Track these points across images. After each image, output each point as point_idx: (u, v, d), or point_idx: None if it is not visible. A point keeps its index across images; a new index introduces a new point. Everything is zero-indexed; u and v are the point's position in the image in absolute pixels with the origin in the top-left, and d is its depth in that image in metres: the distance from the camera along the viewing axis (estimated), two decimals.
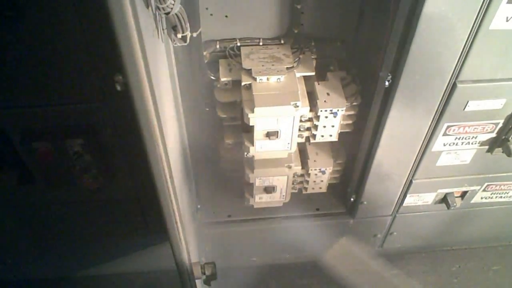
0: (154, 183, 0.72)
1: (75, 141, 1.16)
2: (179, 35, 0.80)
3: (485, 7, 1.01)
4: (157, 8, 0.73)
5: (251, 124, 1.28)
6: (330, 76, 1.38)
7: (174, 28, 0.80)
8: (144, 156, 0.67)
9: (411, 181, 1.52)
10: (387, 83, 1.18)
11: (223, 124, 1.48)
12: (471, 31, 1.05)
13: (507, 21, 1.04)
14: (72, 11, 0.90)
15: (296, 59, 1.33)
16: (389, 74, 1.17)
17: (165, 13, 0.73)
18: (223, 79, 1.34)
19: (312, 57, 1.37)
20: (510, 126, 1.31)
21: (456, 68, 1.14)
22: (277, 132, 1.31)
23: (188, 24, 0.81)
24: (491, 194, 1.63)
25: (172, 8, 0.72)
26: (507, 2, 1.00)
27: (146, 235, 1.63)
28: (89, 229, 1.61)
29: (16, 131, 1.16)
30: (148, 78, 0.56)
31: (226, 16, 1.31)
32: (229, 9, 1.29)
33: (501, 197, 1.65)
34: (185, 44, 0.87)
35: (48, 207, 1.46)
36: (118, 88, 0.56)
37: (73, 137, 1.16)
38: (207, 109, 1.47)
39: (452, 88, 1.18)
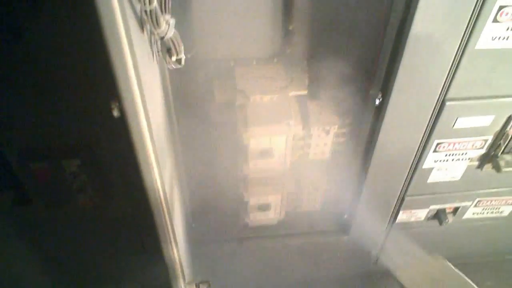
0: (148, 204, 0.73)
1: (72, 161, 1.17)
2: (174, 58, 0.82)
3: (471, 27, 1.04)
4: (152, 32, 0.75)
5: (245, 143, 1.30)
6: (323, 94, 1.41)
7: (168, 51, 0.82)
8: (139, 179, 0.68)
9: (403, 198, 1.54)
10: (377, 102, 1.21)
11: (217, 142, 1.50)
12: (457, 50, 1.08)
13: (492, 40, 1.07)
14: (69, 36, 0.92)
15: (289, 79, 1.35)
16: (379, 93, 1.19)
17: (160, 37, 0.75)
18: (218, 100, 1.36)
19: (305, 76, 1.39)
20: (499, 142, 1.33)
21: (444, 86, 1.16)
22: (271, 150, 1.33)
23: (182, 47, 0.83)
24: (482, 210, 1.65)
25: (166, 33, 0.74)
26: (493, 21, 1.04)
27: (141, 254, 1.62)
28: (84, 248, 1.61)
29: (13, 151, 1.17)
30: (143, 104, 0.58)
31: (221, 37, 1.33)
32: (224, 30, 1.32)
33: (492, 212, 1.67)
34: (180, 66, 0.89)
35: (42, 227, 1.46)
36: (115, 114, 0.58)
37: (70, 158, 1.17)
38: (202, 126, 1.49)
39: (441, 105, 1.21)
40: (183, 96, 1.36)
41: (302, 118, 1.35)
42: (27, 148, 1.17)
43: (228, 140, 1.45)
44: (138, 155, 0.64)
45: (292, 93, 1.36)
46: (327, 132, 1.35)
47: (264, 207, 1.56)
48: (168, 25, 0.72)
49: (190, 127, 1.46)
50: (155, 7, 0.66)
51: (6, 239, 1.53)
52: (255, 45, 1.37)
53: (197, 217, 1.75)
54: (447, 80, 1.15)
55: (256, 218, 1.62)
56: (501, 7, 1.01)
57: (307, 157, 1.43)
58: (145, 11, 0.67)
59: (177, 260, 0.94)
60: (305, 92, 1.36)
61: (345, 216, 1.68)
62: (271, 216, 1.62)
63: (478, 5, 1.01)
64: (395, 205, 1.58)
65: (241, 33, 1.33)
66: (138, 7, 0.69)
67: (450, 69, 1.12)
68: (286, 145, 1.33)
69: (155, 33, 0.72)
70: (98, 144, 1.18)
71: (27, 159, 1.18)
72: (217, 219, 1.78)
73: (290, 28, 1.30)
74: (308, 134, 1.37)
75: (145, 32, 0.77)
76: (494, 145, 1.35)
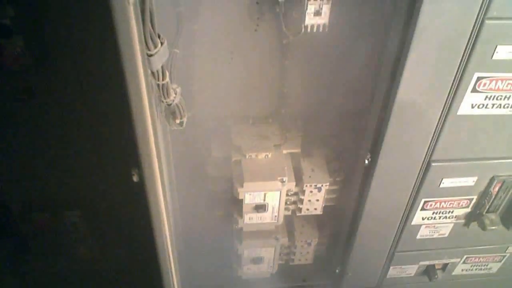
0: (158, 262, 0.77)
1: (73, 212, 1.21)
2: (178, 121, 0.89)
3: (452, 95, 1.12)
4: (161, 100, 0.82)
5: (240, 197, 1.35)
6: (315, 153, 1.48)
7: (173, 114, 0.89)
8: (152, 238, 0.72)
9: (393, 253, 1.58)
10: (366, 162, 1.27)
11: (213, 196, 1.55)
12: (440, 116, 1.16)
13: (472, 107, 1.16)
14: (96, 109, 0.98)
15: (283, 137, 1.43)
16: (368, 154, 1.26)
17: (167, 104, 0.83)
18: (215, 155, 1.43)
19: (298, 135, 1.47)
20: (483, 202, 1.39)
21: (429, 148, 1.24)
22: (265, 205, 1.38)
23: (185, 111, 0.90)
24: (471, 266, 1.69)
25: (173, 100, 0.81)
26: (472, 91, 1.12)
27: None
28: None
29: (17, 202, 1.22)
30: (160, 170, 0.64)
31: (219, 97, 1.41)
32: (222, 91, 1.40)
33: (480, 269, 1.71)
34: (182, 128, 0.96)
35: (41, 276, 1.48)
36: (135, 179, 0.63)
37: (72, 209, 1.21)
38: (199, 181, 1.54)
39: (427, 166, 1.28)
40: (181, 151, 1.42)
41: (295, 175, 1.41)
42: (31, 200, 1.22)
43: (223, 194, 1.50)
44: (152, 216, 0.68)
45: (286, 151, 1.43)
46: (319, 189, 1.41)
47: (257, 260, 1.59)
48: (175, 94, 0.80)
49: (187, 181, 1.52)
50: (168, 81, 0.74)
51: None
52: (252, 105, 1.45)
53: (190, 269, 1.77)
54: (431, 143, 1.22)
55: (249, 270, 1.65)
56: (479, 78, 1.10)
57: (300, 212, 1.48)
58: (158, 85, 0.74)
59: None
60: (298, 150, 1.44)
61: (337, 270, 1.71)
62: (264, 269, 1.65)
63: (458, 76, 1.09)
64: (386, 260, 1.61)
65: (239, 94, 1.42)
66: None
67: (434, 133, 1.20)
68: (279, 201, 1.38)
69: (164, 101, 0.80)
70: (101, 196, 1.22)
71: (30, 210, 1.22)
72: (210, 271, 1.79)
73: (285, 90, 1.39)
74: (301, 190, 1.43)
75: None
76: (479, 205, 1.40)
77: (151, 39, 0.66)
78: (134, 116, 0.56)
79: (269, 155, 1.38)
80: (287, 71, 1.36)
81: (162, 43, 0.69)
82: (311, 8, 1.14)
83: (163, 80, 0.72)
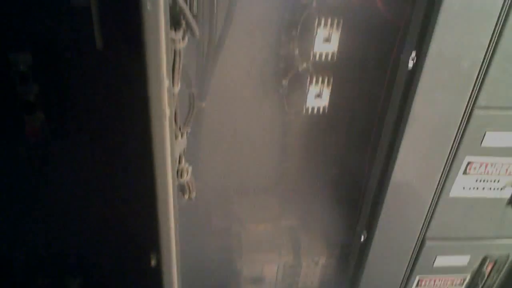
0: None
1: (75, 279, 1.23)
2: (186, 196, 0.94)
3: (444, 177, 1.18)
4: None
5: (238, 268, 1.38)
6: (313, 226, 1.52)
7: (182, 190, 0.94)
8: None
9: None
10: (362, 238, 1.31)
11: (211, 266, 1.57)
12: (433, 197, 1.21)
13: (463, 189, 1.21)
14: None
15: (282, 210, 1.47)
16: (364, 231, 1.31)
17: (178, 182, 0.88)
18: (215, 225, 1.46)
19: (297, 208, 1.51)
20: (477, 281, 1.41)
21: (423, 227, 1.28)
22: (262, 277, 1.40)
23: (194, 188, 0.95)
24: None
25: (184, 179, 0.86)
26: (463, 174, 1.18)
27: None
28: None
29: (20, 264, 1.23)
30: (176, 255, 0.67)
31: (222, 169, 1.47)
32: (225, 163, 1.46)
33: None
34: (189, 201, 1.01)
35: None
36: (153, 264, 0.66)
37: (73, 275, 1.23)
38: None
39: (421, 244, 1.31)
40: (182, 221, 1.45)
41: (293, 247, 1.44)
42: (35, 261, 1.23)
43: (222, 265, 1.52)
44: None
45: (284, 223, 1.47)
46: (316, 263, 1.44)
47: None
48: (187, 173, 0.85)
49: (187, 248, 1.54)
50: (183, 165, 0.79)
51: None
52: (253, 177, 1.51)
53: None
54: (425, 222, 1.26)
55: None
56: (469, 162, 1.17)
57: (297, 285, 1.49)
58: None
59: None
60: (296, 223, 1.47)
61: None
62: None
63: (450, 160, 1.15)
64: None
65: (241, 166, 1.48)
66: None
67: (428, 212, 1.24)
68: (277, 273, 1.41)
69: (177, 180, 0.85)
70: (102, 262, 1.24)
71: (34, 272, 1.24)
72: None
73: (286, 165, 1.45)
74: (298, 263, 1.45)
75: None
76: (473, 283, 1.42)
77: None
78: (159, 199, 0.60)
79: (268, 226, 1.42)
80: (288, 147, 1.43)
81: (182, 134, 0.76)
82: (312, 92, 1.23)
83: (179, 164, 0.78)
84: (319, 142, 1.42)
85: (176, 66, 0.65)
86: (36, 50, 0.95)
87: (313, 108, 1.25)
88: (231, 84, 1.30)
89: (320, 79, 1.20)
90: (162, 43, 0.51)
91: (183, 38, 0.62)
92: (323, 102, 1.24)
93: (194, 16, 0.62)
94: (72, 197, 1.08)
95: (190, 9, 0.60)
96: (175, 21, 0.59)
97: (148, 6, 0.48)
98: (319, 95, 1.23)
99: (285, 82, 1.26)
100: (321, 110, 1.26)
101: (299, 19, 1.19)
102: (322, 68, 1.21)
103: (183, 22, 0.59)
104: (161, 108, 0.56)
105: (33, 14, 0.91)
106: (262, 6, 1.21)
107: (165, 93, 0.56)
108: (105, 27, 0.76)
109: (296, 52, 1.22)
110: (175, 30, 0.60)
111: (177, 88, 0.66)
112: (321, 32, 1.13)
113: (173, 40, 0.59)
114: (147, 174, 0.62)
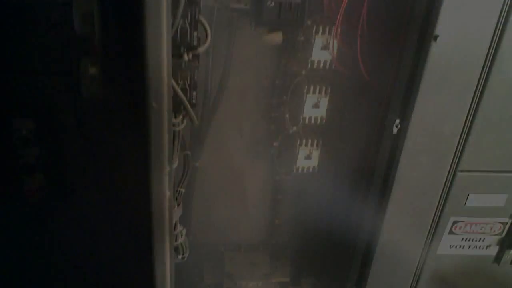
0: None
1: None
2: (180, 257, 0.96)
3: (431, 236, 1.22)
4: None
5: None
6: (303, 282, 1.53)
7: (176, 251, 0.96)
8: None
9: None
10: None
11: None
12: (421, 254, 1.24)
13: (450, 248, 1.25)
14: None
15: (273, 266, 1.49)
16: (355, 287, 1.32)
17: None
18: (207, 282, 1.47)
19: (287, 264, 1.53)
20: None
21: (412, 285, 1.30)
22: None
23: (188, 248, 0.97)
24: None
25: (179, 241, 0.89)
26: (449, 233, 1.22)
27: None
28: None
29: None
30: None
31: (214, 224, 1.49)
32: (216, 219, 1.48)
33: None
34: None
35: None
36: None
37: None
38: None
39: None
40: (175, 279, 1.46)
41: None
42: None
43: None
44: None
45: (275, 280, 1.48)
46: None
47: None
48: (182, 236, 0.88)
49: None
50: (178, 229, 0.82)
51: None
52: (244, 233, 1.53)
53: None
54: (414, 280, 1.29)
55: None
56: (455, 222, 1.20)
57: None
58: None
59: None
60: (287, 280, 1.49)
61: None
62: None
63: (436, 220, 1.19)
64: None
65: (232, 222, 1.50)
66: None
67: (416, 270, 1.27)
68: None
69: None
70: None
71: None
72: None
73: (277, 222, 1.48)
74: None
75: None
76: None
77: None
78: (156, 264, 0.63)
79: (260, 284, 1.43)
80: (278, 204, 1.46)
81: (178, 204, 0.79)
82: (302, 153, 1.27)
83: (175, 230, 0.80)
84: (309, 200, 1.45)
85: (175, 144, 0.69)
86: (37, 116, 0.99)
87: (303, 168, 1.30)
88: (224, 145, 1.35)
89: (310, 141, 1.25)
90: (165, 133, 0.55)
91: (182, 122, 0.66)
92: (313, 163, 1.29)
93: (193, 106, 0.67)
94: (70, 259, 1.09)
95: (190, 100, 0.65)
96: (176, 108, 0.63)
97: (153, 105, 0.52)
98: (308, 157, 1.28)
99: (276, 143, 1.31)
100: (310, 169, 1.30)
101: (289, 85, 1.24)
102: (311, 131, 1.26)
103: (183, 110, 0.64)
104: (161, 191, 0.60)
105: (35, 83, 0.96)
106: (255, 72, 1.27)
107: (166, 177, 0.59)
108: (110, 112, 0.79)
109: (287, 115, 1.27)
110: (175, 116, 0.64)
111: (175, 165, 0.70)
112: (310, 98, 1.19)
113: (174, 124, 0.64)
114: (146, 250, 0.64)
